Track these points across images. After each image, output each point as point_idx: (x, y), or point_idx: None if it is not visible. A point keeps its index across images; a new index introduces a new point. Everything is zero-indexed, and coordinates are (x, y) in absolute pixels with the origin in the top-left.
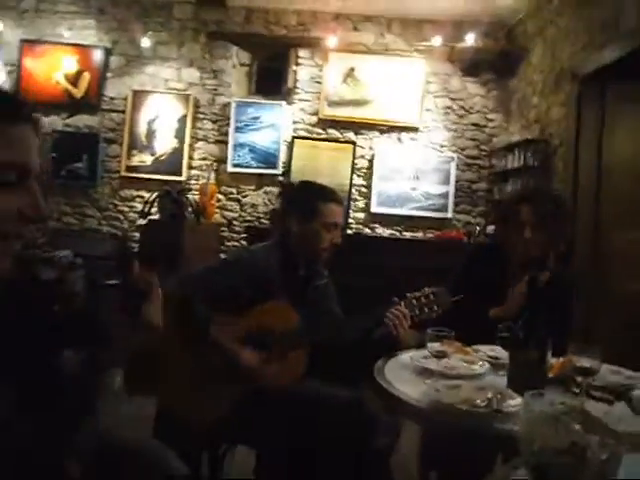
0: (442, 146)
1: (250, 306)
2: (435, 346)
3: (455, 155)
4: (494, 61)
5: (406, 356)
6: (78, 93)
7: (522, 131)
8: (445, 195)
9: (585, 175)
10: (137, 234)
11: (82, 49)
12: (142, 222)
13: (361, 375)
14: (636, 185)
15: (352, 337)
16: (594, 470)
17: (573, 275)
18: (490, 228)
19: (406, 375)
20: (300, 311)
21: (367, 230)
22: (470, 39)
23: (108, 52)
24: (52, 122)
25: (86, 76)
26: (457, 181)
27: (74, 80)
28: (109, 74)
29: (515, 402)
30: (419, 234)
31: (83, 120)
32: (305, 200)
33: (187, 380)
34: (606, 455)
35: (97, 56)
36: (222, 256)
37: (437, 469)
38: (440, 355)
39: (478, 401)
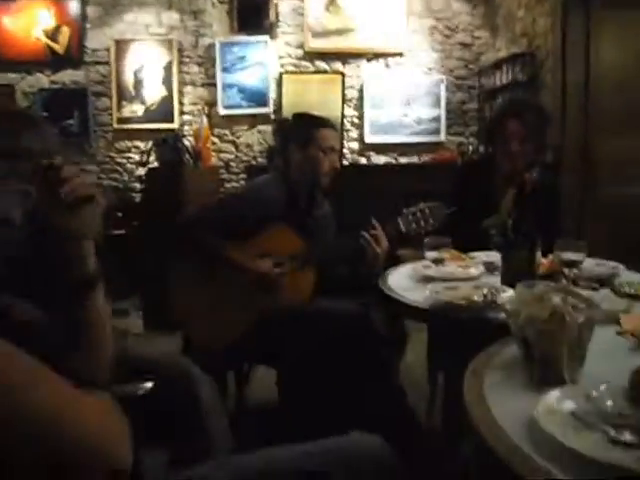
0: (430, 68)
1: (255, 235)
2: (433, 254)
3: (444, 77)
4: None
5: (408, 267)
6: (60, 48)
7: (509, 46)
8: (437, 118)
9: (573, 86)
10: (137, 184)
11: (57, 2)
12: (141, 172)
13: (364, 290)
14: (622, 93)
15: (343, 257)
16: (572, 335)
17: (556, 181)
18: (482, 147)
19: (408, 283)
20: (303, 237)
21: (363, 160)
22: None
23: (84, 2)
24: (38, 80)
25: (65, 30)
26: (448, 103)
27: (54, 35)
28: (88, 25)
29: (508, 294)
30: (414, 159)
31: (68, 75)
32: (300, 129)
33: (206, 304)
34: (582, 319)
35: (73, 8)
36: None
37: (443, 369)
38: (438, 261)
39: (475, 297)
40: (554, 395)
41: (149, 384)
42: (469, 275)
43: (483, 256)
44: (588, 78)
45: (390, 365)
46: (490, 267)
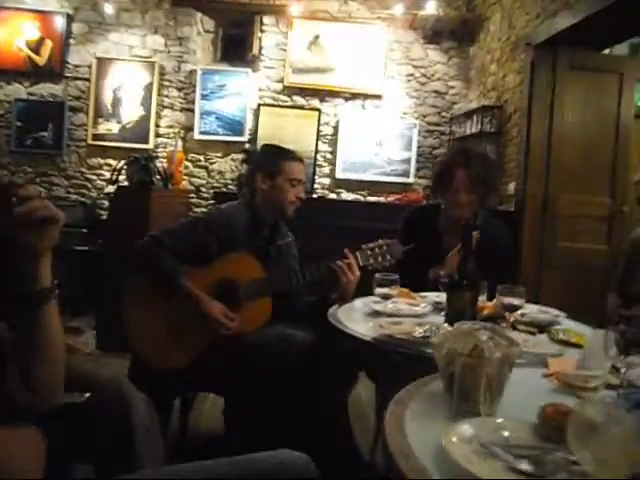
0: (405, 113)
1: (216, 259)
2: (382, 290)
3: (417, 122)
4: (455, 29)
5: (358, 301)
6: (41, 61)
7: (480, 98)
8: (407, 161)
9: (537, 141)
10: (105, 202)
11: (43, 15)
12: (110, 189)
13: (316, 320)
14: (581, 151)
15: (306, 286)
16: (491, 369)
17: (502, 228)
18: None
19: (357, 316)
20: (264, 266)
21: (332, 195)
22: (431, 7)
23: (70, 19)
24: (15, 90)
25: (48, 43)
26: (419, 147)
27: (36, 47)
28: (72, 41)
29: None
30: (382, 198)
31: (47, 88)
32: (269, 160)
33: (158, 327)
34: (499, 354)
35: (59, 23)
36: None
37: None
38: (386, 297)
39: (416, 333)
40: (466, 425)
41: (86, 395)
42: (415, 312)
43: (433, 296)
44: (551, 134)
45: (338, 398)
46: (438, 307)
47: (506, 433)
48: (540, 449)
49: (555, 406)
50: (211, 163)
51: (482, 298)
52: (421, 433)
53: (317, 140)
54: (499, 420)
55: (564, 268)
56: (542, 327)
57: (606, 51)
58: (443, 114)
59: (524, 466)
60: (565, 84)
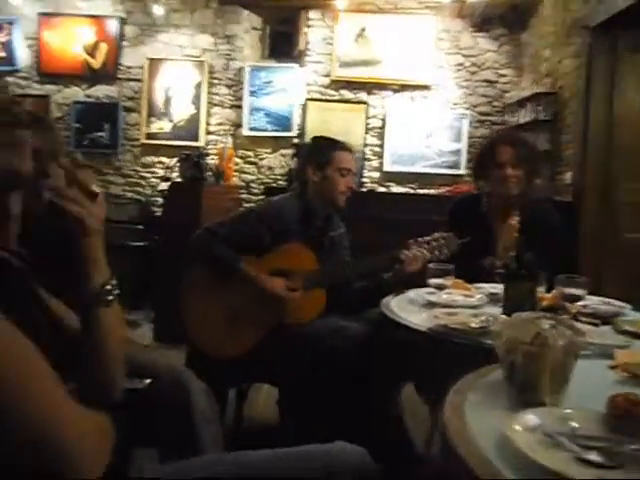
0: (455, 103)
1: (270, 251)
2: (436, 281)
3: (468, 112)
4: (505, 15)
5: (412, 292)
6: (96, 64)
7: (533, 85)
8: (457, 152)
9: (595, 128)
10: (159, 199)
11: (98, 20)
12: (164, 186)
13: (369, 310)
14: None
15: (364, 276)
16: (555, 358)
17: (557, 217)
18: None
19: (411, 308)
20: (317, 258)
21: (382, 189)
22: None
23: (123, 22)
24: (73, 93)
25: (103, 47)
26: (470, 137)
27: (92, 51)
28: (125, 43)
29: None
30: (432, 190)
31: (102, 90)
32: (318, 151)
33: (216, 317)
34: (563, 342)
35: (112, 26)
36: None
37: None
38: (441, 287)
39: (472, 324)
40: (530, 415)
41: (147, 381)
42: (470, 303)
43: (489, 287)
44: (611, 120)
45: (391, 390)
46: (494, 298)
47: (573, 423)
48: (610, 440)
49: (625, 395)
50: (261, 159)
51: (541, 289)
52: (480, 422)
53: (365, 133)
54: (565, 410)
55: (629, 260)
56: (606, 318)
57: None
58: (494, 103)
59: (593, 457)
60: (625, 67)
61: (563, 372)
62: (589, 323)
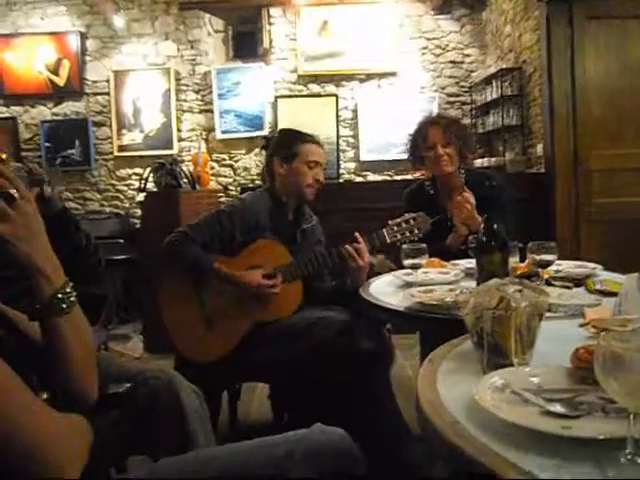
0: (423, 87)
1: (243, 249)
2: (410, 261)
3: (436, 94)
4: None
5: (389, 275)
6: (60, 81)
7: (498, 62)
8: None
9: (560, 98)
10: (138, 210)
11: (58, 36)
12: (141, 198)
13: (349, 302)
14: (608, 104)
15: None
16: (519, 319)
17: (505, 188)
18: (476, 161)
19: (388, 289)
20: (290, 250)
21: (359, 178)
22: None
23: (84, 36)
24: (40, 112)
25: (66, 63)
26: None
27: (55, 68)
28: (88, 58)
29: None
30: (408, 176)
31: (70, 107)
32: (285, 144)
33: (195, 319)
34: (526, 304)
35: (73, 42)
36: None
37: None
38: (416, 267)
39: (447, 298)
40: (497, 376)
41: (127, 385)
42: (446, 280)
43: (465, 263)
44: (575, 90)
45: (377, 373)
46: (470, 272)
47: (539, 379)
48: (574, 391)
49: (587, 347)
50: (236, 161)
51: (515, 259)
52: (451, 388)
53: (337, 125)
54: (530, 368)
55: (602, 224)
56: (578, 280)
57: None
58: (462, 84)
59: (558, 408)
60: (584, 36)
61: (529, 332)
62: (562, 286)
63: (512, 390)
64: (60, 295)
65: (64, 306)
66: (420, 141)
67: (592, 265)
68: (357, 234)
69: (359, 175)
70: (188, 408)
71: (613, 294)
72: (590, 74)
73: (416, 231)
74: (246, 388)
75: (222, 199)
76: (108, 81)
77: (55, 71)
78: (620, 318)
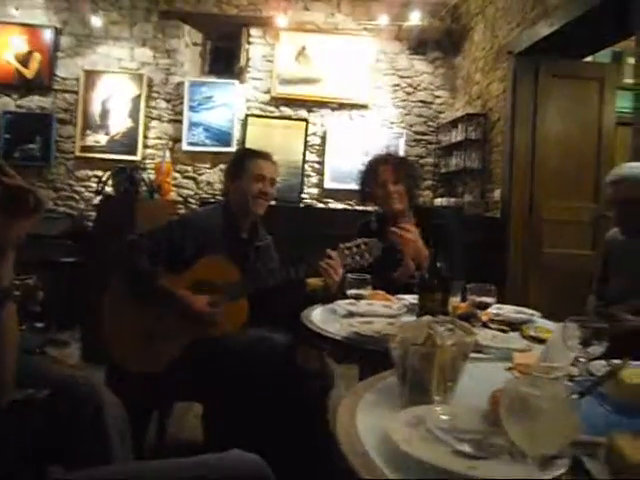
0: (392, 122)
1: (193, 263)
2: (354, 291)
3: (404, 131)
4: (440, 39)
5: (334, 304)
6: (29, 73)
7: (466, 107)
8: None
9: (520, 147)
10: (93, 213)
11: (31, 29)
12: (97, 200)
13: (294, 322)
14: (564, 158)
15: (288, 284)
16: (444, 358)
17: (459, 228)
18: (436, 200)
19: (330, 317)
20: (242, 268)
21: (320, 205)
22: (416, 18)
23: (58, 32)
24: (4, 103)
25: (37, 56)
26: (406, 156)
27: (24, 60)
28: (60, 54)
29: None
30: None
31: (35, 101)
32: (236, 161)
33: (136, 332)
34: (452, 342)
35: (47, 36)
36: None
37: None
38: (359, 297)
39: (384, 331)
40: (414, 411)
41: (45, 391)
42: (388, 313)
43: (411, 298)
44: (535, 141)
45: (315, 398)
46: (412, 308)
47: (454, 418)
48: (485, 433)
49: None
50: (199, 174)
51: (456, 299)
52: (369, 420)
53: (305, 150)
54: (448, 407)
55: (551, 274)
56: (515, 325)
57: (589, 58)
58: (430, 123)
59: (466, 448)
60: (547, 91)
61: (452, 371)
62: (498, 329)
63: (426, 427)
64: (11, 285)
65: (11, 297)
66: (371, 178)
67: (530, 311)
68: (329, 250)
69: (321, 202)
70: (109, 423)
71: (544, 341)
72: (550, 127)
73: (367, 256)
74: (180, 405)
75: (181, 210)
76: (78, 80)
77: (24, 63)
78: (545, 365)
